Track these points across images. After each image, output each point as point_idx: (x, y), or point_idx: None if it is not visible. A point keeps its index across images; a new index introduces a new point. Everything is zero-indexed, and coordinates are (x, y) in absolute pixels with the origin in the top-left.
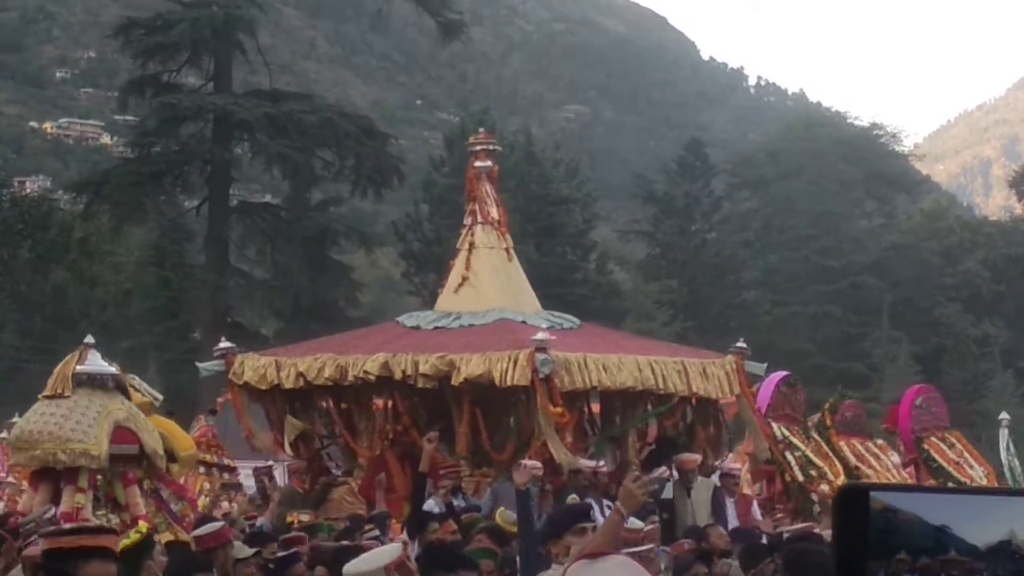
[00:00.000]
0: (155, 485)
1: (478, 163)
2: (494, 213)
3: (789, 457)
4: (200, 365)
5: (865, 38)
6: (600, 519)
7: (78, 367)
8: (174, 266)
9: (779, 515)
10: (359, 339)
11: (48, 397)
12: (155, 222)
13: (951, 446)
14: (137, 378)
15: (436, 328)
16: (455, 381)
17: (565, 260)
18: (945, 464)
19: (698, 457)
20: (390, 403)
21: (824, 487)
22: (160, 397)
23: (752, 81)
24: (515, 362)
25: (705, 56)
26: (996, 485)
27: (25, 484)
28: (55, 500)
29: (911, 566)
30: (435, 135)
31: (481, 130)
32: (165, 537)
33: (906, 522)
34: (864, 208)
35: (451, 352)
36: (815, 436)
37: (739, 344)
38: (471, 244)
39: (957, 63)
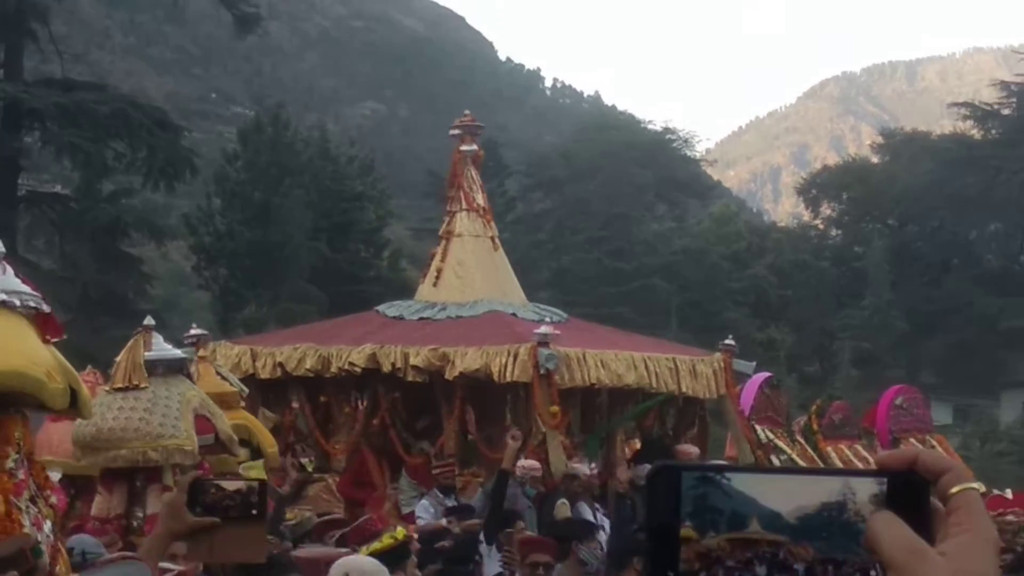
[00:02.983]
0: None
1: (463, 147)
2: (479, 200)
3: (775, 460)
4: None
5: (660, 43)
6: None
7: (148, 354)
8: None
9: None
10: (338, 328)
11: (120, 389)
12: None
13: (931, 448)
14: (224, 368)
15: (421, 319)
16: (449, 375)
17: (358, 257)
18: None
19: (696, 450)
20: (368, 397)
21: None
22: (246, 389)
23: (548, 83)
24: (515, 356)
25: (503, 57)
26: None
27: None
28: (133, 501)
29: (719, 540)
30: (229, 129)
31: (467, 112)
32: None
33: (716, 498)
34: (655, 212)
35: (444, 344)
36: (800, 440)
37: (727, 341)
38: (454, 232)
39: (749, 70)
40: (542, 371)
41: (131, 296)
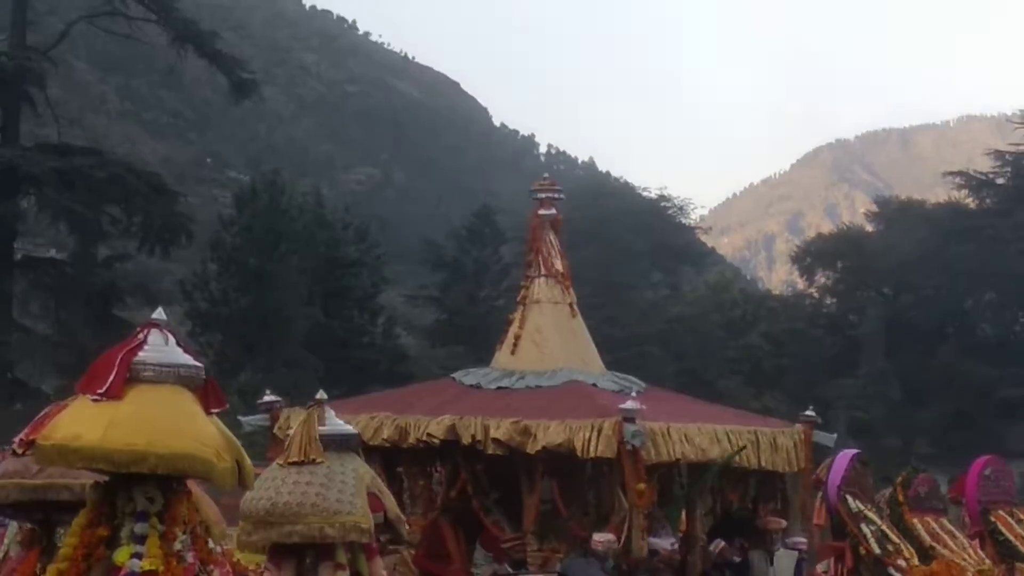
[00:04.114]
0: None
1: (542, 211)
2: (558, 265)
3: (865, 530)
4: (243, 419)
5: (653, 110)
6: None
7: (322, 428)
8: None
9: None
10: (413, 397)
11: (295, 463)
12: None
13: (1019, 521)
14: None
15: (499, 388)
16: (531, 449)
17: (353, 323)
18: (1012, 538)
19: (783, 522)
20: (447, 468)
21: (902, 563)
22: None
23: (543, 149)
24: (599, 431)
25: (497, 122)
26: None
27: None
28: None
29: None
30: (225, 194)
31: (546, 175)
32: None
33: None
34: (650, 279)
35: (525, 417)
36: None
37: (808, 412)
38: (532, 297)
39: (744, 137)
40: (628, 447)
41: None
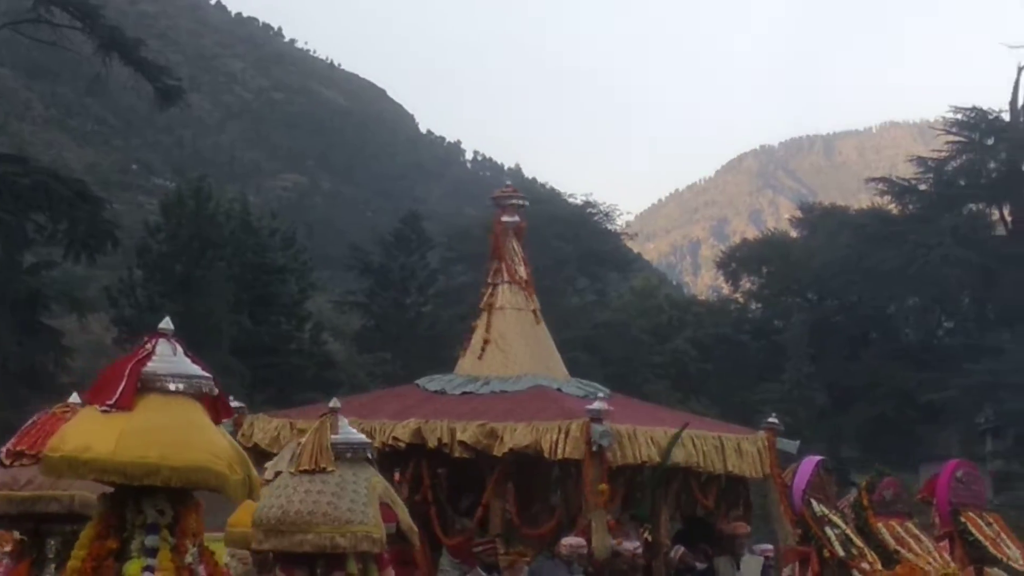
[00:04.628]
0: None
1: (505, 218)
2: (521, 272)
3: (829, 533)
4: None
5: (580, 116)
6: None
7: (334, 437)
8: None
9: None
10: (378, 402)
11: (305, 472)
12: None
13: (988, 525)
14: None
15: (464, 393)
16: (498, 452)
17: (279, 329)
18: (982, 539)
19: (748, 528)
20: (411, 472)
21: (866, 566)
22: None
23: (469, 155)
24: (567, 433)
25: (423, 129)
26: None
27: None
28: None
29: None
30: (151, 200)
31: (508, 183)
32: None
33: None
34: (577, 285)
35: (491, 420)
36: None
37: (771, 420)
38: (495, 304)
39: (669, 143)
40: (594, 448)
41: (51, 369)
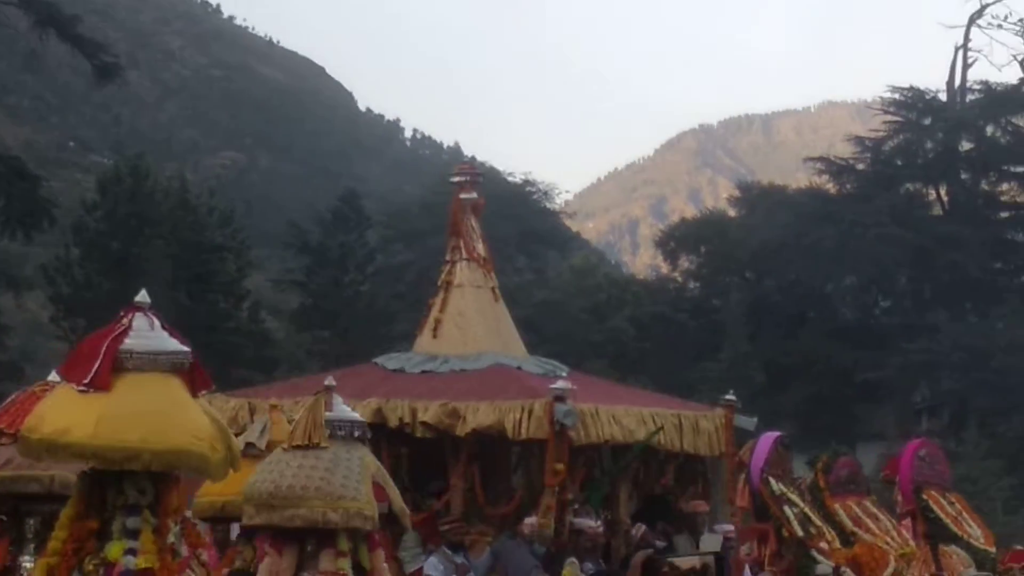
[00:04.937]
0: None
1: (463, 195)
2: (480, 249)
3: (788, 512)
4: None
5: (519, 95)
6: None
7: (328, 414)
8: None
9: None
10: (338, 381)
11: (299, 447)
12: None
13: (951, 504)
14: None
15: (424, 372)
16: (460, 432)
17: (217, 308)
18: (943, 517)
19: (707, 506)
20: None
21: (824, 544)
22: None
23: (408, 134)
24: (530, 412)
25: (362, 107)
26: (993, 549)
27: None
28: (302, 564)
29: None
30: (88, 178)
31: (467, 159)
32: None
33: None
34: (516, 264)
35: (453, 399)
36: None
37: (728, 396)
38: (453, 282)
39: (608, 122)
40: (557, 427)
41: None
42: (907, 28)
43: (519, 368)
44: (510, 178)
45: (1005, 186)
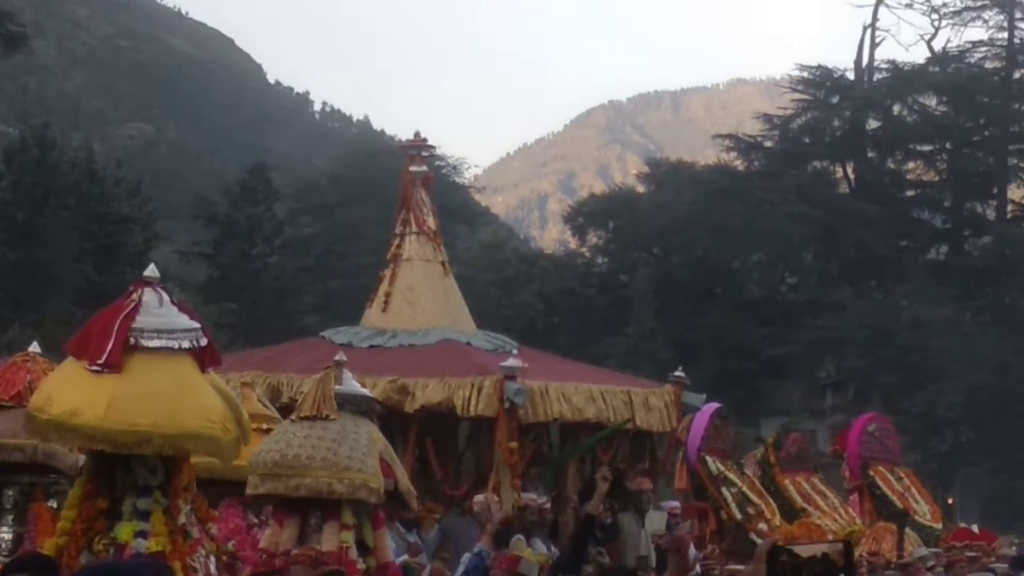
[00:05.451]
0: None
1: (413, 168)
2: (430, 222)
3: (726, 493)
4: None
5: (429, 69)
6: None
7: (338, 388)
8: None
9: (712, 555)
10: (284, 355)
11: (306, 418)
12: None
13: (899, 479)
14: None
15: (372, 347)
16: (409, 408)
17: (124, 280)
18: (889, 493)
19: (651, 483)
20: None
21: (763, 526)
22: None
23: (317, 107)
24: (479, 390)
25: (272, 79)
26: (940, 525)
27: None
28: (304, 537)
29: None
30: None
31: (416, 132)
32: None
33: None
34: None
35: (401, 375)
36: (748, 473)
37: (677, 373)
38: (402, 255)
39: (518, 97)
40: (507, 405)
41: None
42: (816, 7)
43: (468, 344)
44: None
45: (911, 164)
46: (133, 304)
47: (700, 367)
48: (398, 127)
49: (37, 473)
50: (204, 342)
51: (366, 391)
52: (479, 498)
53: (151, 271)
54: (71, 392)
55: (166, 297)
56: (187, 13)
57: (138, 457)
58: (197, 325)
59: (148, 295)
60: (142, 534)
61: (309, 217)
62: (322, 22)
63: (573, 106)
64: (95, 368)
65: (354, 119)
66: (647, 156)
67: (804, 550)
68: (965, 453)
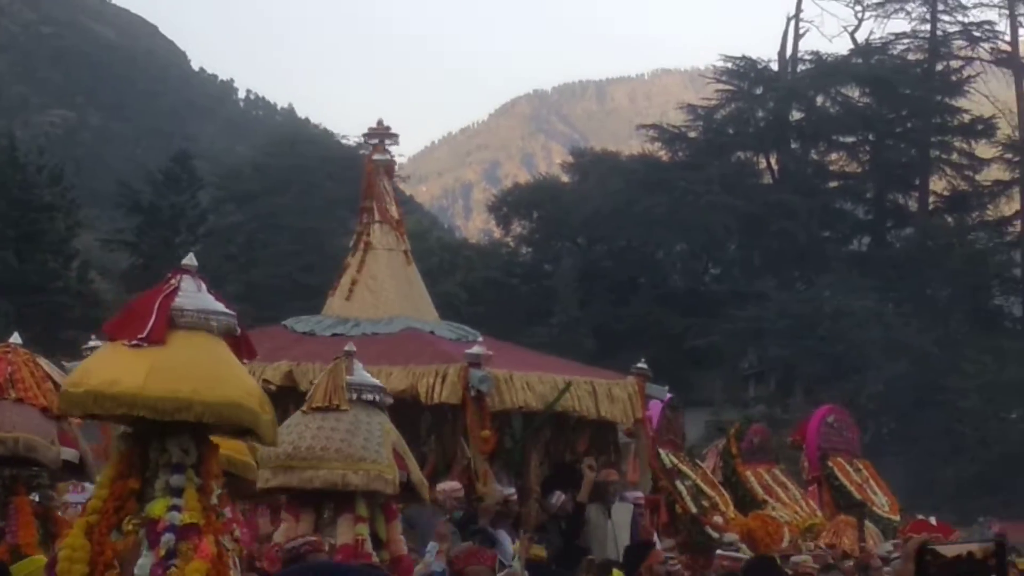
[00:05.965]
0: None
1: (376, 156)
2: (393, 211)
3: (680, 486)
4: (68, 365)
5: (354, 57)
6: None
7: (349, 378)
8: None
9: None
10: None
11: (319, 409)
12: None
13: (857, 471)
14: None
15: (334, 335)
16: None
17: (46, 268)
18: (847, 484)
19: (618, 475)
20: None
21: (718, 519)
22: None
23: (242, 94)
24: (444, 377)
25: (195, 67)
26: (899, 516)
27: None
28: (319, 529)
29: None
30: None
31: (380, 119)
32: None
33: None
34: (349, 226)
35: (364, 363)
36: (702, 464)
37: (640, 364)
38: (366, 244)
39: (443, 86)
40: (473, 393)
41: None
42: None
43: (432, 333)
44: (344, 140)
45: (834, 155)
46: (172, 287)
47: (623, 357)
48: (323, 115)
49: (18, 466)
50: (239, 332)
51: (377, 381)
52: (442, 486)
53: (189, 259)
54: (109, 364)
55: (203, 285)
56: None
57: (172, 436)
58: (234, 314)
59: (187, 281)
60: (175, 508)
61: (232, 205)
62: (247, 9)
63: (498, 95)
64: (137, 342)
65: (279, 107)
66: (572, 146)
67: (949, 550)
68: (886, 443)
